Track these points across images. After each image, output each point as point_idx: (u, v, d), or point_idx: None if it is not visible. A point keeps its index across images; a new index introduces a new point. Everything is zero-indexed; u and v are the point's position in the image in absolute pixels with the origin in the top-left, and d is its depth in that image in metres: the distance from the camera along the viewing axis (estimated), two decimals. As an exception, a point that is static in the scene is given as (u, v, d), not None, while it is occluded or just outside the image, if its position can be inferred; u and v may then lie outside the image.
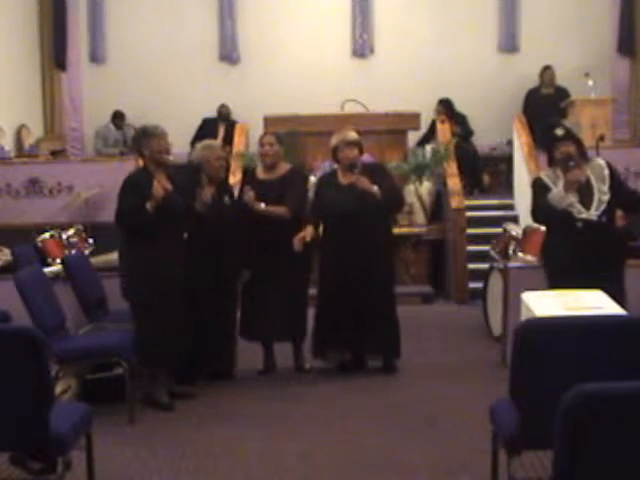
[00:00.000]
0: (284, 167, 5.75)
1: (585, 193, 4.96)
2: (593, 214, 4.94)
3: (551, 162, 5.12)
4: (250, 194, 5.46)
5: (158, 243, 4.93)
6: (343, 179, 5.66)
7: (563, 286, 4.55)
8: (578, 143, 5.07)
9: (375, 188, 5.48)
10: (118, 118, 11.28)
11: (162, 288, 4.92)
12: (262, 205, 5.49)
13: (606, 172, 5.02)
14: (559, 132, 5.05)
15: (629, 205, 5.15)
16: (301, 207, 5.68)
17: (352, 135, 5.66)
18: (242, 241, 5.52)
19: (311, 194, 5.92)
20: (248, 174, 5.93)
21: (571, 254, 4.92)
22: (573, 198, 4.93)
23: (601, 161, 5.12)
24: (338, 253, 5.57)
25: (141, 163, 5.30)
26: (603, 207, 4.95)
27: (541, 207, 5.08)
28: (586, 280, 4.46)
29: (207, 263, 5.33)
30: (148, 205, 4.83)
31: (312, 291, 5.84)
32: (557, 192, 4.95)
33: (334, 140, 5.68)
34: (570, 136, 5.06)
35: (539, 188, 5.13)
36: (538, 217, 5.26)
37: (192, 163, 5.57)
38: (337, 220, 5.56)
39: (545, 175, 5.15)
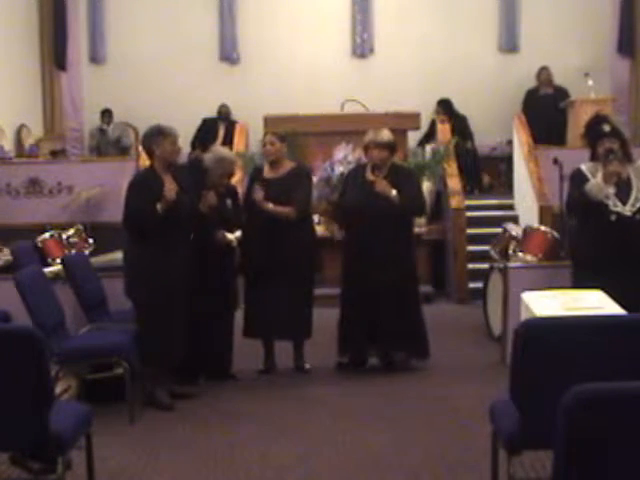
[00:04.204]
0: (288, 165, 5.78)
1: (623, 189, 4.95)
2: (628, 210, 4.94)
3: (593, 157, 5.12)
4: (260, 193, 5.49)
5: (163, 243, 4.93)
6: (371, 175, 5.66)
7: (588, 279, 4.53)
8: (623, 141, 5.06)
9: (394, 192, 5.49)
10: (106, 115, 11.30)
11: (166, 288, 4.92)
12: (270, 205, 5.51)
13: None
14: (606, 128, 5.04)
15: None
16: (306, 206, 5.71)
17: (384, 136, 5.64)
18: (245, 240, 5.55)
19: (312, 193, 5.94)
20: (255, 172, 5.96)
21: (601, 248, 4.91)
22: (611, 190, 4.92)
23: None
24: (360, 249, 5.58)
25: (146, 162, 5.28)
26: (639, 205, 4.95)
27: (576, 197, 5.07)
28: (612, 276, 4.45)
29: (208, 263, 5.33)
30: (158, 207, 4.84)
31: (319, 291, 5.85)
32: (595, 183, 4.94)
33: (366, 138, 5.70)
34: (616, 133, 5.06)
35: (577, 179, 5.11)
36: (572, 207, 5.24)
37: (198, 163, 5.59)
38: (359, 215, 5.57)
39: (585, 168, 5.13)
